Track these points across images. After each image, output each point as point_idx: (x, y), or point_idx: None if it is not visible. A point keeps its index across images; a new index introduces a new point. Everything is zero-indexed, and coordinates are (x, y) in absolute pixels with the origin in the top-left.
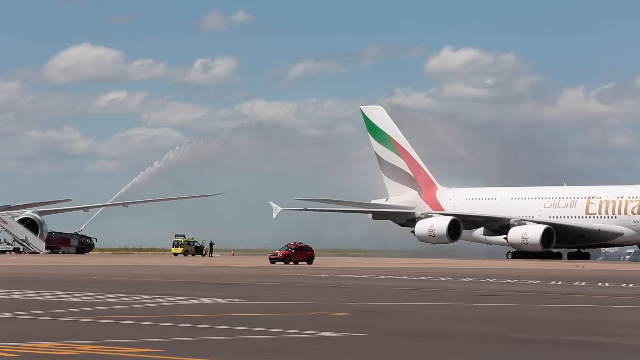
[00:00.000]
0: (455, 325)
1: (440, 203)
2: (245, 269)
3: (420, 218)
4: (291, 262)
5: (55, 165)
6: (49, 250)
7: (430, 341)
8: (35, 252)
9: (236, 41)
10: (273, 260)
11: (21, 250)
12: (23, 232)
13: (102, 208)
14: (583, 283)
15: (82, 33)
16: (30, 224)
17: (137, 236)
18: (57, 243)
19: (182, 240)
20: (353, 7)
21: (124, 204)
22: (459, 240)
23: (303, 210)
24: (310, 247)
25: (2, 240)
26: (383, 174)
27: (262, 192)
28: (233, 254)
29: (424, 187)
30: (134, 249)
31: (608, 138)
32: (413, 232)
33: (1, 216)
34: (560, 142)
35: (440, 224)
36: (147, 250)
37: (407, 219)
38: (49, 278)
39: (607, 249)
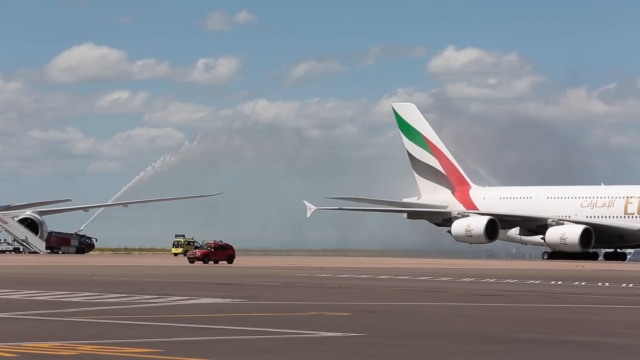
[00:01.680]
0: (455, 325)
1: (474, 202)
2: (246, 269)
3: (456, 218)
4: (211, 262)
5: (57, 165)
6: (49, 250)
7: (430, 341)
8: (36, 252)
9: (239, 41)
10: (192, 260)
11: (21, 250)
12: (23, 232)
13: (102, 208)
14: (583, 283)
15: (85, 33)
16: (31, 224)
17: (137, 236)
18: (57, 243)
19: (182, 240)
20: (356, 8)
21: (124, 204)
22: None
23: (338, 209)
24: (230, 246)
25: (2, 240)
26: (415, 172)
27: (263, 192)
28: None
29: (457, 186)
30: (134, 249)
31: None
32: (449, 232)
33: (1, 216)
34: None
35: (477, 224)
36: (147, 250)
37: (443, 219)
38: (49, 278)
39: (606, 250)
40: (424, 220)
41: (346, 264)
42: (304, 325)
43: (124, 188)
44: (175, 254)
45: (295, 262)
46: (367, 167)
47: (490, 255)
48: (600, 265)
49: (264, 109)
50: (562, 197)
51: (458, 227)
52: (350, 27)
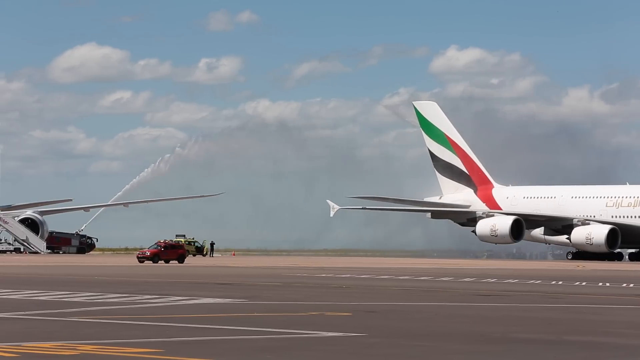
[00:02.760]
0: (455, 325)
1: (497, 201)
2: (246, 269)
3: (481, 217)
4: (161, 261)
5: (58, 165)
6: (49, 250)
7: (430, 341)
8: (36, 252)
9: (241, 41)
10: (141, 260)
11: (22, 250)
12: (24, 232)
13: (103, 208)
14: (583, 283)
15: (88, 33)
16: (31, 224)
17: (138, 236)
18: (57, 243)
19: (182, 240)
20: (358, 7)
21: (125, 204)
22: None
23: (362, 209)
24: (181, 245)
25: (2, 240)
26: (436, 171)
27: (263, 192)
28: (234, 254)
29: (480, 185)
30: (135, 249)
31: None
32: (473, 231)
33: (2, 216)
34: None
35: (502, 224)
36: None
37: (468, 218)
38: (49, 278)
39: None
40: (447, 220)
41: (346, 264)
42: (304, 325)
43: (125, 188)
44: None
45: (295, 262)
46: (368, 167)
47: (491, 255)
48: (600, 265)
49: (265, 109)
50: (586, 197)
51: (483, 227)
52: (352, 27)
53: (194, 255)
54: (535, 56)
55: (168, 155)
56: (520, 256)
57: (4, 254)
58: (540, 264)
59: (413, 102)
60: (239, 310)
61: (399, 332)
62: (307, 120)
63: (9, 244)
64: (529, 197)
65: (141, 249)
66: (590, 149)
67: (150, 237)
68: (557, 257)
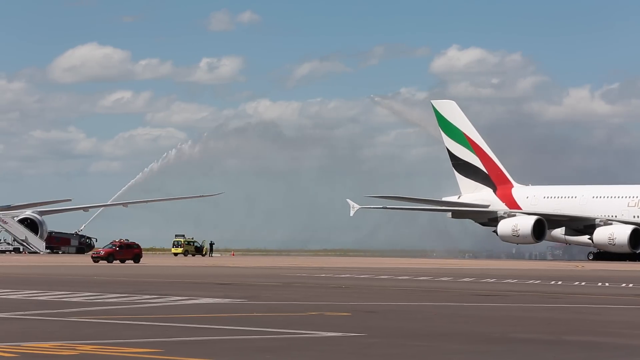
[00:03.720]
0: (455, 325)
1: (517, 201)
2: (245, 269)
3: (502, 217)
4: (117, 261)
5: (59, 165)
6: (49, 250)
7: (430, 341)
8: (36, 252)
9: (242, 41)
10: (96, 259)
11: (21, 250)
12: (23, 232)
13: (102, 208)
14: (583, 283)
15: (90, 33)
16: (31, 224)
17: (137, 236)
18: (57, 243)
19: (182, 240)
20: (359, 7)
21: (124, 204)
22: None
23: (382, 208)
24: (137, 245)
25: (2, 240)
26: (455, 171)
27: (264, 192)
28: (233, 254)
29: (499, 184)
30: None
31: None
32: (495, 231)
33: (1, 216)
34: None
35: (524, 224)
36: (147, 250)
37: (489, 218)
38: (49, 278)
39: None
40: (467, 219)
41: (346, 264)
42: (304, 325)
43: (124, 188)
44: (175, 254)
45: (294, 262)
46: (370, 166)
47: (490, 255)
48: (600, 265)
49: (266, 109)
50: (608, 197)
51: (504, 227)
52: (353, 27)
53: (194, 255)
54: (536, 56)
55: (168, 155)
56: (519, 256)
57: (4, 254)
58: (539, 264)
59: (431, 101)
60: (238, 310)
61: (398, 332)
62: (307, 120)
63: (8, 244)
64: (549, 197)
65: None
66: (592, 149)
67: (150, 237)
68: (556, 257)
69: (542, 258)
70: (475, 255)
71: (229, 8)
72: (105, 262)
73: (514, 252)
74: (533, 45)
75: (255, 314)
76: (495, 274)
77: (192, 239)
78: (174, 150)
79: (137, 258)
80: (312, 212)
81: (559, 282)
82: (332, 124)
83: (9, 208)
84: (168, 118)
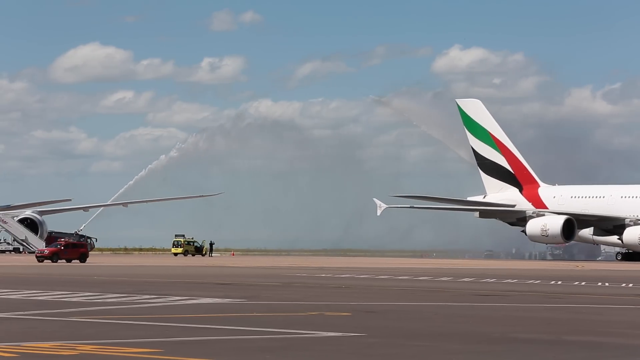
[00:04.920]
0: (455, 325)
1: (544, 201)
2: (245, 269)
3: (531, 217)
4: (62, 260)
5: (59, 165)
6: None
7: (430, 341)
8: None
9: (244, 41)
10: (40, 259)
11: (21, 250)
12: (23, 232)
13: (102, 208)
14: (583, 283)
15: (91, 33)
16: (30, 224)
17: (137, 236)
18: None
19: (182, 240)
20: (361, 7)
21: (124, 204)
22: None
23: (410, 207)
24: (84, 244)
25: (2, 240)
26: (480, 170)
27: (264, 191)
28: (233, 254)
29: (525, 184)
30: (134, 249)
31: None
32: (523, 231)
33: (1, 216)
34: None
35: (554, 224)
36: (147, 250)
37: (517, 218)
38: (49, 278)
39: (606, 249)
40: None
41: (346, 264)
42: (304, 325)
43: (124, 188)
44: (175, 254)
45: (294, 262)
46: (371, 166)
47: (490, 255)
48: (600, 265)
49: (267, 109)
50: (636, 196)
51: (533, 226)
52: (355, 27)
53: (193, 255)
54: (538, 56)
55: (168, 155)
56: (519, 256)
57: (3, 254)
58: (540, 264)
59: (456, 100)
60: (238, 310)
61: (398, 332)
62: (308, 120)
63: (8, 243)
64: (576, 197)
65: (141, 249)
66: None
67: (150, 237)
68: (556, 257)
69: (542, 258)
70: (475, 255)
71: (231, 8)
72: (50, 261)
73: (513, 252)
74: (535, 45)
75: (255, 314)
76: (495, 274)
77: (192, 239)
78: (174, 150)
79: (83, 257)
80: (312, 212)
81: (559, 282)
82: (333, 123)
83: (8, 208)
84: (169, 118)
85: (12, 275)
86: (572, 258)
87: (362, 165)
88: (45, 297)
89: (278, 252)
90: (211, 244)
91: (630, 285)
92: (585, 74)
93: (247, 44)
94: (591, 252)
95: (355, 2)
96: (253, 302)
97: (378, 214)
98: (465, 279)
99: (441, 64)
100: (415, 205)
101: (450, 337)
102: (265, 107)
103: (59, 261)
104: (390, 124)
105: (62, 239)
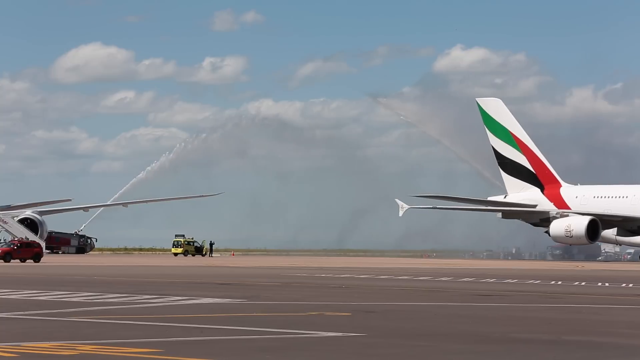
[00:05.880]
0: (455, 325)
1: (566, 201)
2: (245, 269)
3: (555, 217)
4: (16, 260)
5: (60, 165)
6: (49, 250)
7: (430, 341)
8: None
9: (246, 41)
10: None
11: None
12: (23, 232)
13: (102, 208)
14: (583, 283)
15: (93, 33)
16: (30, 224)
17: (137, 236)
18: (57, 243)
19: (182, 240)
20: (363, 8)
21: (124, 204)
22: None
23: (432, 208)
24: (38, 244)
25: (2, 240)
26: (501, 170)
27: (265, 191)
28: (233, 254)
29: (547, 184)
30: (134, 249)
31: None
32: (547, 232)
33: (1, 216)
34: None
35: (578, 224)
36: (147, 250)
37: (541, 219)
38: (49, 278)
39: (607, 249)
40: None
41: (346, 264)
42: (304, 325)
43: (124, 188)
44: (175, 254)
45: (295, 262)
46: (372, 166)
47: (490, 255)
48: (600, 265)
49: (268, 109)
50: None
51: (557, 227)
52: (357, 27)
53: (193, 255)
54: (540, 56)
55: (168, 155)
56: (519, 256)
57: None
58: (540, 264)
59: (477, 99)
60: (238, 310)
61: (398, 332)
62: (310, 120)
63: None
64: (599, 197)
65: (141, 249)
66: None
67: (150, 237)
68: (556, 257)
69: (542, 258)
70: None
71: (233, 8)
72: (2, 261)
73: (513, 251)
74: (537, 45)
75: (255, 314)
76: (495, 274)
77: (192, 239)
78: (174, 150)
79: (37, 257)
80: (313, 212)
81: (559, 282)
82: (334, 123)
83: (9, 208)
84: (170, 118)
85: (12, 275)
86: (572, 258)
87: (363, 166)
88: (45, 297)
89: (278, 252)
90: (211, 244)
91: (630, 285)
92: (587, 74)
93: (248, 44)
94: (591, 252)
95: (357, 2)
96: (253, 302)
97: (400, 214)
98: (465, 279)
99: (443, 64)
100: (437, 206)
101: (450, 337)
102: (266, 107)
103: (12, 261)
104: (391, 124)
105: (16, 239)
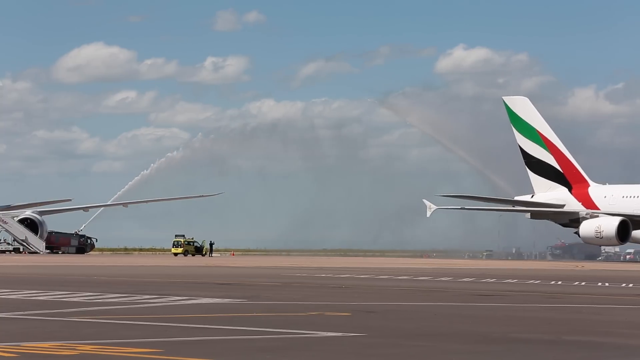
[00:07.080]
0: (455, 325)
1: (594, 201)
2: (245, 269)
3: (585, 218)
4: None
5: (61, 165)
6: (49, 250)
7: (430, 341)
8: (35, 252)
9: (248, 40)
10: None
11: (21, 250)
12: (23, 232)
13: (102, 208)
14: (583, 283)
15: (95, 32)
16: (30, 224)
17: (137, 236)
18: (57, 243)
19: (182, 240)
20: (365, 7)
21: (124, 204)
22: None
23: (460, 209)
24: None
25: (2, 240)
26: (528, 169)
27: (265, 191)
28: (233, 254)
29: (574, 184)
30: (134, 249)
31: None
32: (576, 232)
33: (1, 216)
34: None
35: (608, 225)
36: (147, 250)
37: (570, 219)
38: (49, 278)
39: (607, 249)
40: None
41: (346, 264)
42: (304, 325)
43: (124, 188)
44: (175, 254)
45: (295, 262)
46: (373, 166)
47: (490, 255)
48: (600, 265)
49: (270, 109)
50: None
51: (587, 228)
52: (359, 27)
53: (193, 255)
54: (542, 56)
55: (169, 155)
56: (519, 256)
57: (3, 254)
58: (540, 264)
59: (503, 98)
60: (238, 310)
61: (398, 332)
62: (311, 120)
63: (8, 244)
64: (628, 197)
65: (141, 249)
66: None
67: (150, 237)
68: (556, 257)
69: (542, 258)
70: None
71: (235, 8)
72: None
73: (513, 251)
74: (539, 45)
75: (255, 314)
76: (495, 274)
77: (192, 239)
78: (175, 150)
79: None
80: (313, 212)
81: (559, 282)
82: (336, 123)
83: (9, 208)
84: (172, 118)
85: (12, 275)
86: (572, 258)
87: (364, 165)
88: (45, 297)
89: (278, 252)
90: (211, 244)
91: (630, 285)
92: (589, 73)
93: (250, 43)
94: (591, 252)
95: (359, 2)
96: (253, 302)
97: (428, 215)
98: (465, 279)
99: (444, 63)
100: (465, 207)
101: (450, 337)
102: (268, 107)
103: None
104: (393, 124)
105: None
